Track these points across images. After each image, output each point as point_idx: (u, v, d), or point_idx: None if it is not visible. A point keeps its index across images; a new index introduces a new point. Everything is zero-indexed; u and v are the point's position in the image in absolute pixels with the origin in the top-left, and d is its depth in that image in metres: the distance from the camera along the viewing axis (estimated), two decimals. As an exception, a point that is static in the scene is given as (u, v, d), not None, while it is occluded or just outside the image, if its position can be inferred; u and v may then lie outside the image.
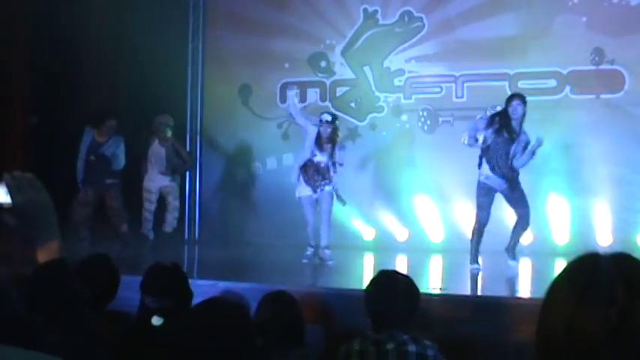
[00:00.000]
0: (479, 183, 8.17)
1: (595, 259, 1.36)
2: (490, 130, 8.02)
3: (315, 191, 8.60)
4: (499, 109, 10.13)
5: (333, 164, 8.60)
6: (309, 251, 8.63)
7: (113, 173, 9.58)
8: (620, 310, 1.25)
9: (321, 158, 8.59)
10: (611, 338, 1.25)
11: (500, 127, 7.96)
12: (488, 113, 8.43)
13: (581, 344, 1.27)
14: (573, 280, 1.35)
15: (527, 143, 7.91)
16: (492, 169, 8.04)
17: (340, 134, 8.91)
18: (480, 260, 8.18)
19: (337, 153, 8.61)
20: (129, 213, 9.74)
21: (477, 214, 8.21)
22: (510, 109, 7.98)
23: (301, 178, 8.66)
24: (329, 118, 8.68)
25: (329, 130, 8.58)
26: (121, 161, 9.63)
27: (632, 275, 1.31)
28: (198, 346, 2.06)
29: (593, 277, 1.32)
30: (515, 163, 7.98)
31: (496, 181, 8.06)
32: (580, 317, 1.28)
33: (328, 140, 8.60)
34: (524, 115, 8.00)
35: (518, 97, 8.13)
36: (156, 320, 3.77)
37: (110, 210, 9.61)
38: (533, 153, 7.87)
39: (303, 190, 8.67)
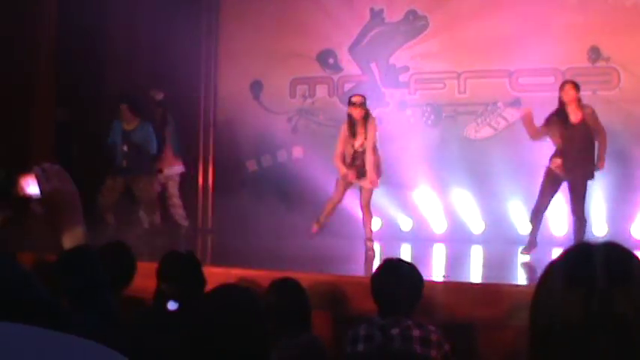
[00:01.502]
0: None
1: (586, 248, 1.37)
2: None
3: (358, 177, 8.08)
4: (499, 104, 10.23)
5: (373, 149, 8.08)
6: (315, 227, 8.40)
7: (146, 160, 9.39)
8: (600, 297, 1.26)
9: (357, 143, 8.10)
10: (594, 324, 1.25)
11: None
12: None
13: (567, 330, 1.27)
14: (562, 267, 1.36)
15: None
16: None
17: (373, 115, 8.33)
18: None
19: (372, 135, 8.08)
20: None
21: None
22: (563, 93, 7.72)
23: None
24: (359, 99, 8.13)
25: (362, 112, 8.07)
26: (153, 146, 9.38)
27: (615, 263, 1.31)
28: (211, 331, 2.07)
29: (581, 264, 1.33)
30: None
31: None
32: (566, 303, 1.28)
33: (362, 123, 8.07)
34: (579, 99, 7.69)
35: (569, 82, 7.85)
36: (171, 305, 3.79)
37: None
38: None
39: (344, 173, 8.11)
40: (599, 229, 9.25)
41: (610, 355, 1.24)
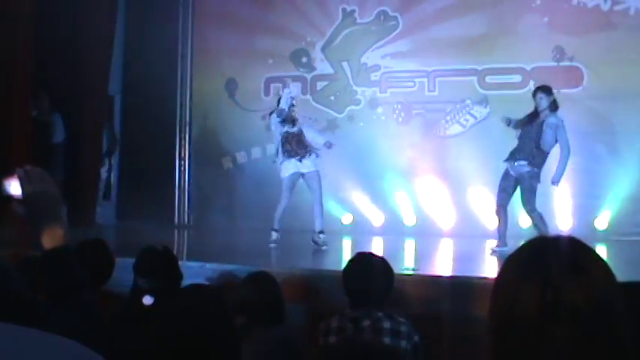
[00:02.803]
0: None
1: (541, 242, 1.39)
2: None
3: (300, 160, 8.17)
4: (468, 102, 10.28)
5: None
6: (274, 236, 8.26)
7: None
8: (553, 289, 1.27)
9: (291, 125, 8.23)
10: (548, 315, 1.26)
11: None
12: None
13: (524, 320, 1.28)
14: (518, 260, 1.37)
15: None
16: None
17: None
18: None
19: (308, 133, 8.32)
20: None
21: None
22: (535, 102, 7.73)
23: (284, 157, 8.22)
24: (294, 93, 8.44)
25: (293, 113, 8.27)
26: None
27: (568, 255, 1.33)
28: (177, 331, 2.08)
29: (535, 257, 1.34)
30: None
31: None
32: (522, 295, 1.29)
33: (290, 119, 8.25)
34: (549, 105, 7.68)
35: (541, 89, 7.82)
36: (147, 300, 3.78)
37: None
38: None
39: (287, 169, 8.23)
40: (564, 223, 9.34)
41: (565, 345, 1.26)
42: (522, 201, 7.74)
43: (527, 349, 1.28)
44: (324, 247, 8.10)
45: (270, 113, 8.49)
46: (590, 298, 1.27)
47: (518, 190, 7.78)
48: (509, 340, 1.31)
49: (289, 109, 8.18)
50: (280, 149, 8.25)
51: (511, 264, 1.38)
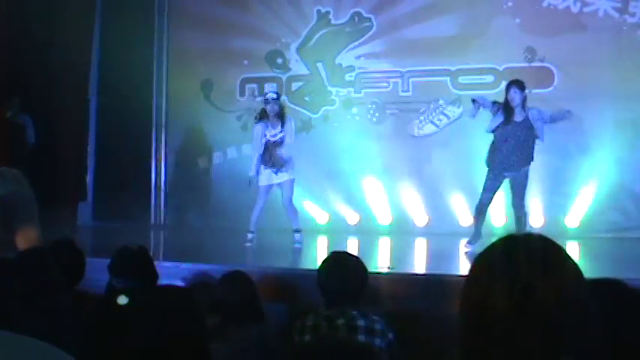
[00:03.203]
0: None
1: (511, 240, 1.39)
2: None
3: (276, 173, 8.25)
4: (441, 102, 10.33)
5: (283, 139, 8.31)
6: (250, 236, 8.31)
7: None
8: (523, 287, 1.27)
9: (275, 132, 8.28)
10: (517, 312, 1.27)
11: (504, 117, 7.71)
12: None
13: (492, 318, 1.28)
14: (489, 258, 1.37)
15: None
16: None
17: (287, 110, 8.68)
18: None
19: (288, 127, 8.34)
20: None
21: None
22: (508, 97, 7.74)
23: (262, 168, 8.32)
24: (274, 95, 8.44)
25: (276, 107, 8.31)
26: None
27: (538, 254, 1.33)
28: (147, 331, 2.07)
29: (505, 255, 1.34)
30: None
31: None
32: (491, 293, 1.29)
33: (276, 117, 8.31)
34: (524, 100, 7.75)
35: (515, 83, 7.82)
36: (122, 300, 3.75)
37: None
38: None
39: (262, 179, 8.35)
40: (535, 220, 9.40)
41: (533, 342, 1.26)
42: (517, 196, 7.81)
43: (496, 346, 1.29)
44: (297, 246, 8.17)
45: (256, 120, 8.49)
46: (559, 296, 1.27)
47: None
48: (479, 337, 1.32)
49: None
50: (260, 156, 8.34)
51: (482, 261, 1.38)
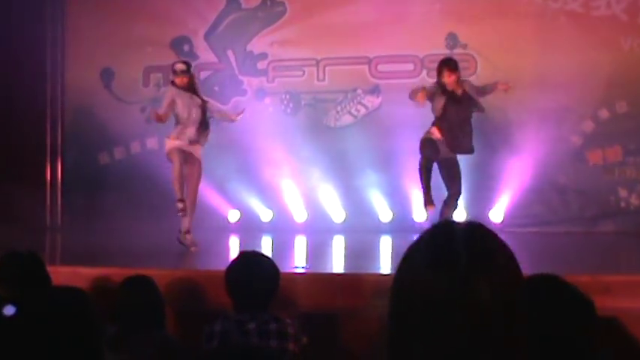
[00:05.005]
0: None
1: (449, 227, 1.39)
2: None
3: (190, 141, 7.85)
4: (359, 92, 10.37)
5: (203, 113, 7.95)
6: (181, 205, 7.86)
7: None
8: (461, 276, 1.28)
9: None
10: (454, 304, 1.28)
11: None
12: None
13: (427, 310, 1.29)
14: (426, 246, 1.37)
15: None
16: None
17: (197, 81, 8.38)
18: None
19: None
20: None
21: None
22: (443, 79, 7.69)
23: (173, 134, 7.93)
24: (183, 67, 8.05)
25: (185, 79, 7.96)
26: None
27: (476, 243, 1.35)
28: (38, 333, 1.99)
29: (443, 245, 1.35)
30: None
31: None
32: (428, 283, 1.30)
33: (188, 89, 7.97)
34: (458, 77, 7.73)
35: (446, 65, 7.78)
36: (8, 310, 3.62)
37: None
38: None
39: (173, 142, 7.89)
40: (458, 214, 9.51)
41: (465, 333, 1.27)
42: (455, 180, 7.82)
43: (427, 336, 1.29)
44: (192, 249, 7.89)
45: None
46: (496, 288, 1.29)
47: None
48: (409, 331, 1.32)
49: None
50: None
51: (417, 251, 1.38)
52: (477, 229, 1.38)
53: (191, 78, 8.12)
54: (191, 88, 8.04)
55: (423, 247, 1.37)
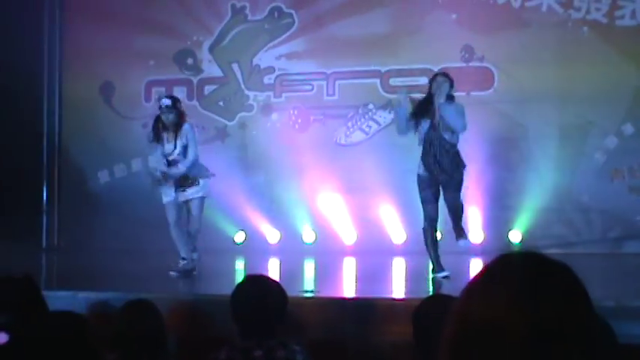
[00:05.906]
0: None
1: (533, 261, 1.38)
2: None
3: (175, 192, 7.79)
4: (371, 107, 10.35)
5: (184, 153, 7.71)
6: (181, 263, 7.83)
7: None
8: (550, 318, 1.28)
9: (169, 149, 7.75)
10: (536, 336, 1.26)
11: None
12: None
13: (502, 341, 1.27)
14: (504, 282, 1.35)
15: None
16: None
17: (187, 118, 7.94)
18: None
19: (185, 139, 7.72)
20: None
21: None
22: (435, 86, 7.26)
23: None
24: (168, 102, 7.74)
25: (170, 116, 7.70)
26: None
27: (560, 284, 1.35)
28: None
29: (509, 274, 1.34)
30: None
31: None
32: (513, 324, 1.28)
33: (173, 127, 7.73)
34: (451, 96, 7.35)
35: (442, 74, 7.53)
36: (1, 338, 3.59)
37: None
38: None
39: (166, 196, 7.90)
40: (475, 235, 9.46)
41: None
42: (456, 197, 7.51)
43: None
44: (172, 273, 7.72)
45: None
46: (582, 330, 1.30)
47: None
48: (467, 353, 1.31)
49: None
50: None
51: (482, 281, 1.37)
52: (563, 268, 1.39)
53: (178, 115, 7.81)
54: (177, 125, 7.77)
55: (501, 283, 1.34)
